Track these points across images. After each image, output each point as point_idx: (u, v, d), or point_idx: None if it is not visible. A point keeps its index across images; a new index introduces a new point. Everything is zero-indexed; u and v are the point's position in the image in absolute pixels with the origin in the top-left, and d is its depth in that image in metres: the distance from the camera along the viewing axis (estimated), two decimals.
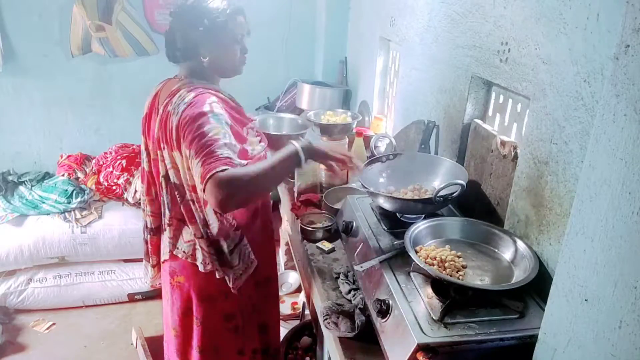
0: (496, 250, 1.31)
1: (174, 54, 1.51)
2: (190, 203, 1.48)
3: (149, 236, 1.69)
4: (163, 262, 1.66)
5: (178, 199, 1.50)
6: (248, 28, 1.54)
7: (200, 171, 1.23)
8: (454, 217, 1.52)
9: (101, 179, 3.04)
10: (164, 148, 1.45)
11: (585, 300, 0.85)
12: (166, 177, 1.50)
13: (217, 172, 1.20)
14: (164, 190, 1.53)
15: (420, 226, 1.35)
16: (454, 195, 1.40)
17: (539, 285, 1.13)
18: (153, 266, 1.74)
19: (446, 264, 1.20)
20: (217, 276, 1.54)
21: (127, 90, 3.36)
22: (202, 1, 1.45)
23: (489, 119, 1.66)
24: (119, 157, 3.08)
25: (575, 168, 1.10)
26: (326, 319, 1.32)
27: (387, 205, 1.50)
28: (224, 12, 1.45)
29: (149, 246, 1.70)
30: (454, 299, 1.10)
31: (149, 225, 1.67)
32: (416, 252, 1.24)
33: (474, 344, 1.03)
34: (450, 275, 1.17)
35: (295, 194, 2.05)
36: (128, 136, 3.29)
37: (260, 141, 1.56)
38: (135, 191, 2.96)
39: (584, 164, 0.85)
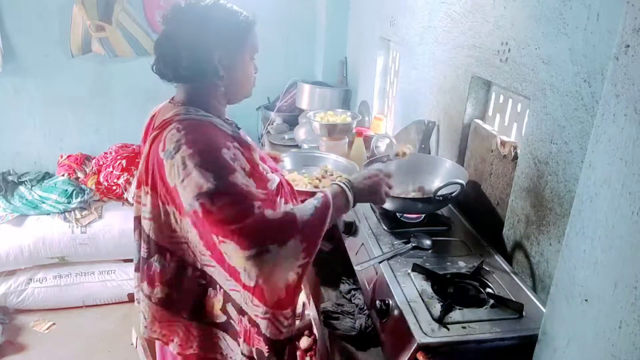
0: None
1: (175, 72, 1.16)
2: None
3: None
4: None
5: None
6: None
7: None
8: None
9: (101, 179, 3.04)
10: (147, 193, 1.18)
11: (585, 300, 0.84)
12: (140, 219, 1.27)
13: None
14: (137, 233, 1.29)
15: None
16: (453, 194, 1.40)
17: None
18: None
19: None
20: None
21: (127, 90, 3.36)
22: (219, 5, 1.17)
23: (489, 119, 1.66)
24: (119, 157, 3.09)
25: (575, 168, 1.10)
26: (326, 319, 1.32)
27: (387, 205, 1.50)
28: (246, 20, 1.19)
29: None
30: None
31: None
32: None
33: (474, 344, 1.03)
34: None
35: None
36: (128, 136, 3.30)
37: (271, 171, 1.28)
38: None
39: (584, 164, 0.85)
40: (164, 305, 1.25)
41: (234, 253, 1.02)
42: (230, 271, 1.15)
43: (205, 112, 1.19)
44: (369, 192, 1.24)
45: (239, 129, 1.29)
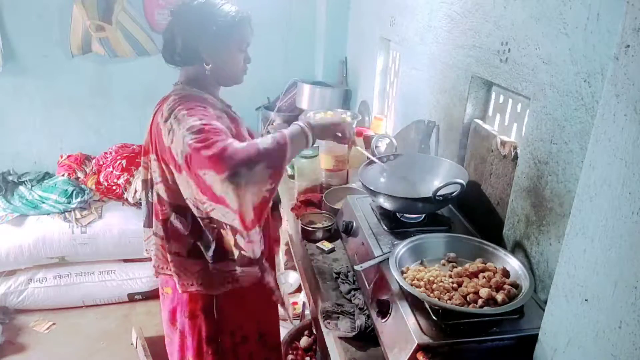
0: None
1: (172, 57, 1.41)
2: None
3: None
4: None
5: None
6: (251, 37, 1.45)
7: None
8: (443, 233, 1.38)
9: (101, 179, 3.04)
10: (155, 159, 1.38)
11: (585, 300, 0.85)
12: (146, 182, 1.47)
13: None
14: (144, 194, 1.50)
15: (407, 245, 1.28)
16: (453, 194, 1.40)
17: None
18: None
19: (434, 286, 1.13)
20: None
21: (127, 90, 3.36)
22: (210, 3, 1.37)
23: (489, 119, 1.66)
24: (119, 157, 3.08)
25: (575, 168, 1.10)
26: (326, 319, 1.32)
27: (387, 204, 1.50)
28: (233, 17, 1.37)
29: None
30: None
31: None
32: (402, 272, 1.19)
33: (474, 344, 1.03)
34: (439, 299, 1.09)
35: (296, 194, 2.05)
36: (128, 136, 3.29)
37: None
38: (135, 191, 2.96)
39: (584, 164, 0.85)
40: (189, 256, 1.42)
41: (214, 179, 1.17)
42: (221, 201, 1.23)
43: (199, 90, 1.40)
44: (333, 131, 1.44)
45: (229, 107, 1.49)
